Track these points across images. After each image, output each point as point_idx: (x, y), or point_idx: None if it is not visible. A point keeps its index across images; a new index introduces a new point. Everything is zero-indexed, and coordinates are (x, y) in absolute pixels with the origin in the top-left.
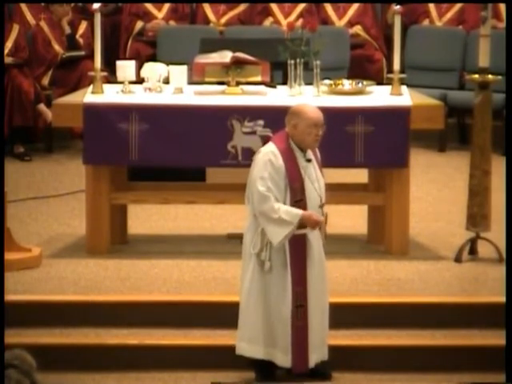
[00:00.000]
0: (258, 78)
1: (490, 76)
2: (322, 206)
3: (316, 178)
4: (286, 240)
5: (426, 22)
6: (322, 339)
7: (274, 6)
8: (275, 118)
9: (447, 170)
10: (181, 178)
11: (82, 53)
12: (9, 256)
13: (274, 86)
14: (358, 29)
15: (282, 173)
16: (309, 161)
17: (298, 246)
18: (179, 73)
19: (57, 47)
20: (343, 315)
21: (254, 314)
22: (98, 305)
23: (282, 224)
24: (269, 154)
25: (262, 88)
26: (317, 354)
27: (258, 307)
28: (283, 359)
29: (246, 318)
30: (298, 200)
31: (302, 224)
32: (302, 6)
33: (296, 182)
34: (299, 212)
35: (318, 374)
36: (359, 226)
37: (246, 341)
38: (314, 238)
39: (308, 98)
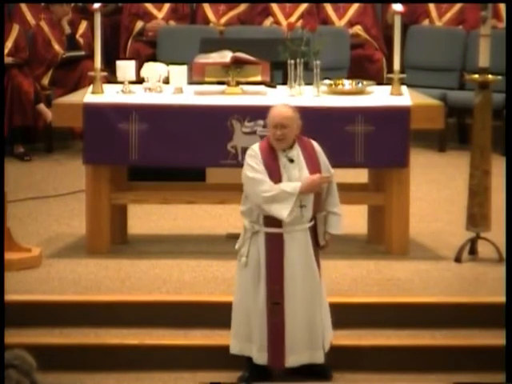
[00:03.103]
0: (258, 78)
1: (489, 76)
2: (301, 207)
3: (298, 179)
4: (292, 214)
5: (426, 22)
6: (310, 341)
7: (274, 7)
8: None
9: (447, 170)
10: (181, 178)
11: (82, 53)
12: (9, 256)
13: (274, 86)
14: (358, 29)
15: (263, 166)
16: (291, 161)
17: (273, 245)
18: (179, 73)
19: (57, 47)
20: (343, 315)
21: (235, 310)
22: (97, 305)
23: (285, 198)
24: (250, 151)
25: (262, 88)
26: (299, 356)
27: (238, 303)
28: (258, 355)
29: (232, 313)
30: None
31: (308, 191)
32: (303, 7)
33: (272, 180)
34: (297, 184)
35: (318, 375)
36: (359, 226)
37: (232, 336)
38: (293, 238)
39: (308, 97)
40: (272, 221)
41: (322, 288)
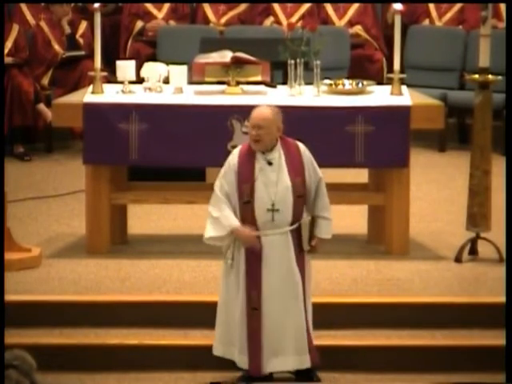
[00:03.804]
0: (258, 78)
1: (490, 76)
2: (273, 211)
3: (275, 182)
4: (214, 242)
5: (426, 22)
6: (294, 347)
7: (276, 7)
8: None
9: (447, 170)
10: (181, 178)
11: (82, 53)
12: (9, 256)
13: (274, 86)
14: (358, 29)
15: (233, 172)
16: (270, 164)
17: (252, 249)
18: (179, 73)
19: (57, 47)
20: (343, 315)
21: (219, 312)
22: (98, 305)
23: (217, 225)
24: (231, 154)
25: (262, 88)
26: (282, 361)
27: (221, 306)
28: (240, 359)
29: (217, 315)
30: (246, 201)
31: (236, 236)
32: (304, 8)
33: (245, 183)
34: (236, 223)
35: (305, 378)
36: (359, 226)
37: (215, 338)
38: (271, 241)
39: (308, 97)
40: (249, 223)
41: (308, 292)
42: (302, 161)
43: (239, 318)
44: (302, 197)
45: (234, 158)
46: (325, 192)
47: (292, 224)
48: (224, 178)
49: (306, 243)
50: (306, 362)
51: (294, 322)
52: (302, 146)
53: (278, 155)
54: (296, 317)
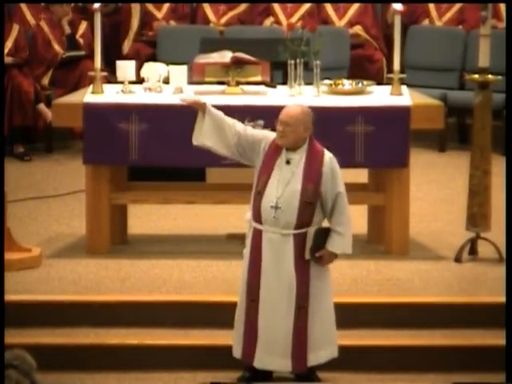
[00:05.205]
0: (258, 78)
1: (490, 76)
2: (276, 208)
3: (287, 182)
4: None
5: (426, 22)
6: (279, 348)
7: (276, 7)
8: (275, 118)
9: (447, 170)
10: (181, 178)
11: (82, 53)
12: (9, 256)
13: (274, 86)
14: (358, 29)
15: (260, 158)
16: (287, 162)
17: (255, 241)
18: (179, 73)
19: (57, 47)
20: (343, 315)
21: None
22: (98, 305)
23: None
24: (269, 134)
25: (262, 88)
26: (267, 358)
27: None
28: (234, 348)
29: None
30: (258, 192)
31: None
32: (304, 8)
33: (263, 175)
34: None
35: (305, 378)
36: (359, 226)
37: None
38: (270, 240)
39: (308, 97)
40: (256, 216)
41: (313, 302)
42: (320, 169)
43: (239, 306)
44: (312, 204)
45: (265, 144)
46: (343, 207)
47: (297, 228)
48: (260, 132)
49: (308, 252)
50: (288, 367)
51: (282, 325)
52: (328, 155)
53: (300, 157)
54: (284, 320)
